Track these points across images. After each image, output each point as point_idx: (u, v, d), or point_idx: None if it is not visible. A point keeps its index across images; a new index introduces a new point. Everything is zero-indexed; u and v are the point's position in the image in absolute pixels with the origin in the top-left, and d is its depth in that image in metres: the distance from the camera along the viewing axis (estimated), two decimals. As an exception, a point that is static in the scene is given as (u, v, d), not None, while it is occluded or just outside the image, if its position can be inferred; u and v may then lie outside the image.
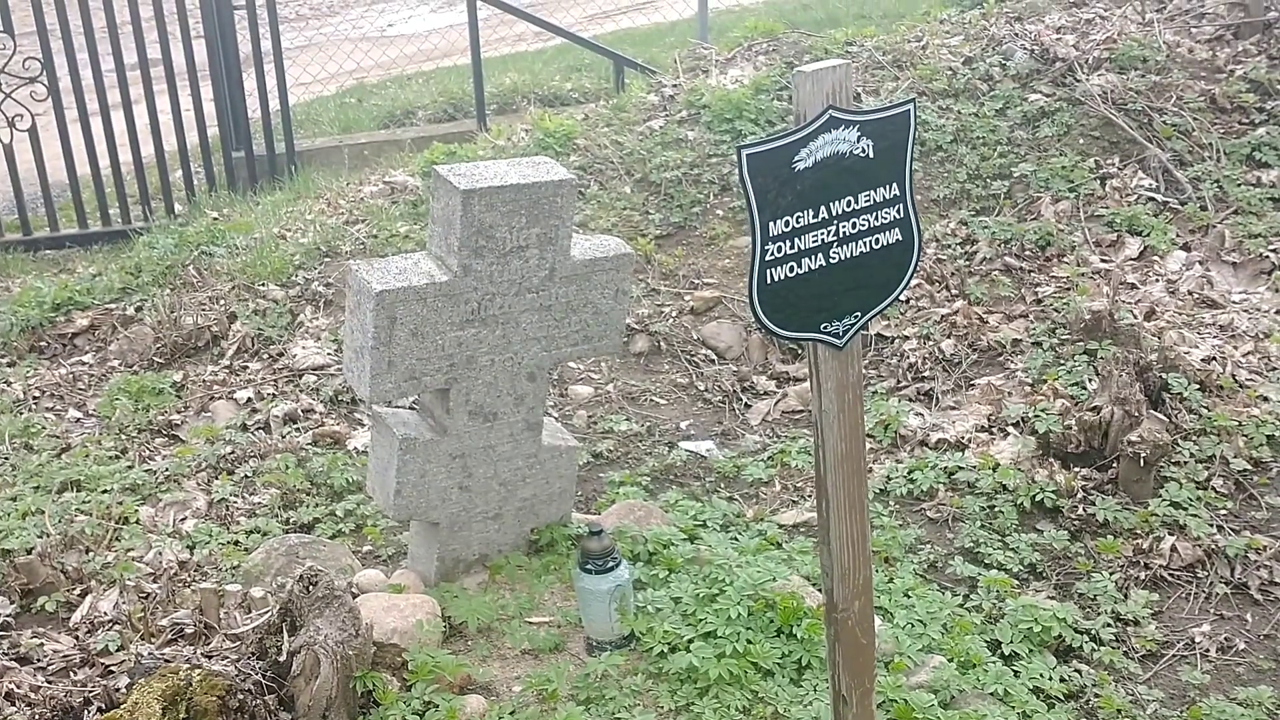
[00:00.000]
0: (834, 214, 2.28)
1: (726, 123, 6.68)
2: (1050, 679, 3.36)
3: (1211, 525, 3.98)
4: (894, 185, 2.34)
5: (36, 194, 7.94)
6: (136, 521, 4.31)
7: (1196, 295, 5.35)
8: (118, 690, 3.15)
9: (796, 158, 2.20)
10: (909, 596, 3.70)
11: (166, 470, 4.61)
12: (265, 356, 5.48)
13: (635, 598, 3.55)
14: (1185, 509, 4.04)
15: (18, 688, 3.48)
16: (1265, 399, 4.58)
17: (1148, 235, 5.69)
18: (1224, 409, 4.44)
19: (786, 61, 7.23)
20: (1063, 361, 4.86)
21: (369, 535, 4.24)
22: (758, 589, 3.53)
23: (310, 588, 3.27)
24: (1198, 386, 4.52)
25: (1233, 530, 3.98)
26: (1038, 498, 4.14)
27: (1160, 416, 4.23)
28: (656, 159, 6.44)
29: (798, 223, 2.23)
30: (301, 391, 5.19)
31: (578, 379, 5.30)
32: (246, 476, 4.59)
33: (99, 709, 3.08)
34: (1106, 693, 3.33)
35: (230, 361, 5.46)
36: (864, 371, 5.18)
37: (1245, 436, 4.32)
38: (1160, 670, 3.50)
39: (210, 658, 3.27)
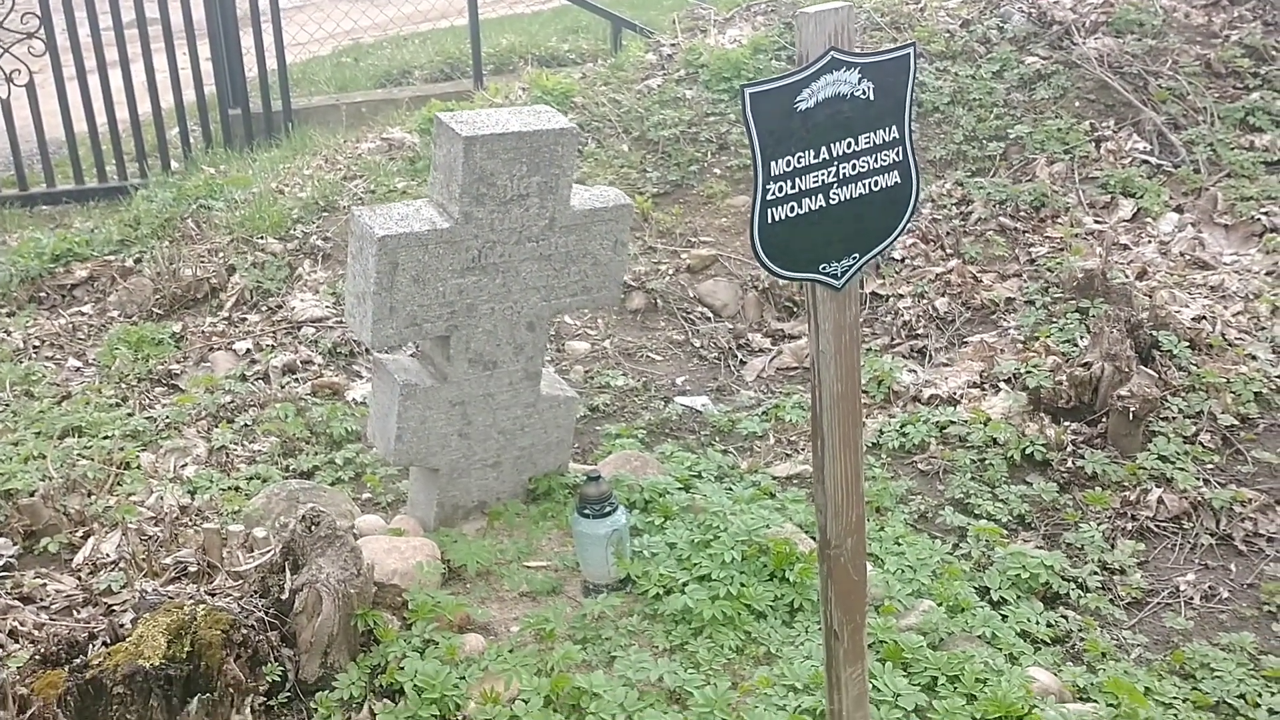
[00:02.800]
0: (834, 155, 2.31)
1: (725, 82, 6.70)
2: (1037, 623, 3.43)
3: (1198, 479, 4.05)
4: (893, 128, 2.38)
5: (33, 150, 7.93)
6: (137, 467, 4.35)
7: (1188, 256, 5.41)
8: (122, 626, 3.20)
9: (799, 98, 2.23)
10: (899, 544, 3.76)
11: (167, 418, 4.65)
12: (264, 309, 5.52)
13: (631, 543, 3.61)
14: (1173, 463, 4.11)
15: (21, 625, 3.53)
16: (1253, 357, 4.64)
17: (1141, 197, 5.73)
18: (1213, 366, 4.50)
19: (785, 22, 7.24)
20: (1055, 320, 4.92)
21: (368, 483, 4.29)
22: (751, 535, 3.59)
23: (312, 527, 3.33)
24: (1188, 344, 4.58)
25: (1219, 484, 4.05)
26: (1028, 451, 4.21)
27: (1150, 372, 4.29)
28: (654, 117, 6.46)
29: (799, 163, 2.27)
30: (300, 343, 5.24)
31: (574, 335, 5.34)
32: (246, 425, 4.64)
33: (104, 643, 3.13)
34: (1092, 637, 3.40)
35: (229, 313, 5.49)
36: (859, 328, 5.24)
37: (1233, 393, 4.38)
38: (1145, 617, 3.57)
39: (213, 595, 3.33)
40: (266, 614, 3.24)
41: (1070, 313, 4.88)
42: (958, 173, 6.04)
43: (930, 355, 4.98)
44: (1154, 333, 4.55)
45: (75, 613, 3.62)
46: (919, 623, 3.35)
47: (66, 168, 7.99)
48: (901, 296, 5.30)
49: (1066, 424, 4.33)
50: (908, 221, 2.49)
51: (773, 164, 2.24)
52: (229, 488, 4.24)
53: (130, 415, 4.66)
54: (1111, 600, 3.61)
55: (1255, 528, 3.86)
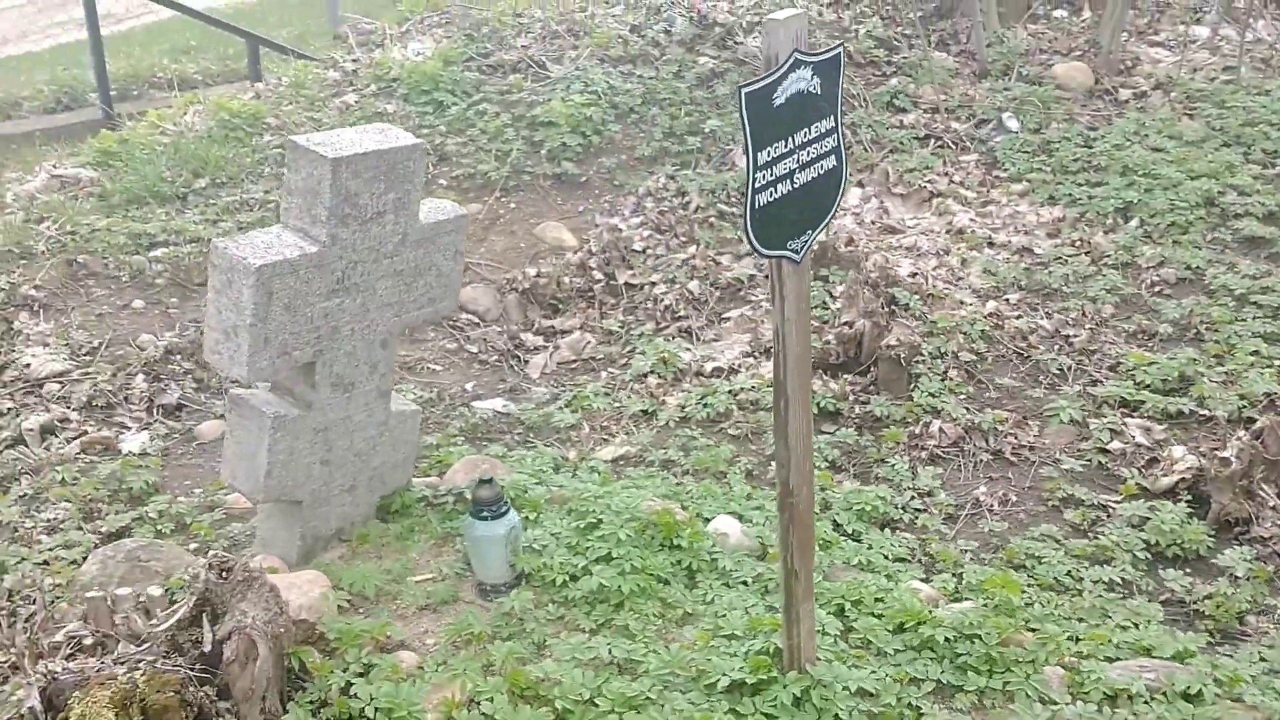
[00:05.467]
0: (798, 143, 2.61)
1: (424, 94, 6.78)
2: (892, 546, 3.91)
3: (962, 408, 4.72)
4: (831, 118, 2.71)
5: None
6: (-83, 557, 3.89)
7: (879, 224, 6.18)
8: (29, 713, 2.92)
9: (775, 94, 2.51)
10: (751, 499, 4.13)
11: (-71, 499, 4.16)
12: (-14, 370, 5.00)
13: (515, 540, 3.72)
14: (938, 397, 4.76)
15: None
16: (963, 303, 5.43)
17: (829, 176, 6.45)
18: (940, 313, 5.23)
19: (465, 34, 7.41)
20: (798, 289, 5.47)
21: (197, 530, 4.09)
22: (633, 512, 3.82)
23: (225, 574, 3.20)
24: (917, 297, 5.28)
25: (978, 409, 4.74)
26: (821, 404, 4.71)
27: (905, 323, 4.92)
28: (369, 134, 6.41)
29: (775, 152, 2.55)
30: (50, 401, 4.81)
31: (345, 355, 5.27)
32: (25, 494, 4.25)
33: (27, 735, 2.86)
34: (938, 548, 3.94)
35: (-54, 380, 4.93)
36: (624, 318, 5.57)
37: (963, 333, 5.11)
38: (962, 527, 4.16)
39: (122, 664, 3.11)
40: (193, 670, 3.09)
41: (811, 281, 5.45)
42: (666, 167, 6.51)
43: (696, 334, 5.39)
44: (889, 290, 5.21)
45: (-72, 719, 3.23)
46: (803, 563, 3.72)
47: None
48: (655, 284, 5.68)
49: (844, 377, 4.88)
50: (841, 198, 2.84)
51: (759, 154, 2.52)
52: (40, 563, 3.89)
53: (-116, 501, 4.12)
54: (932, 518, 4.17)
55: (1017, 440, 4.57)
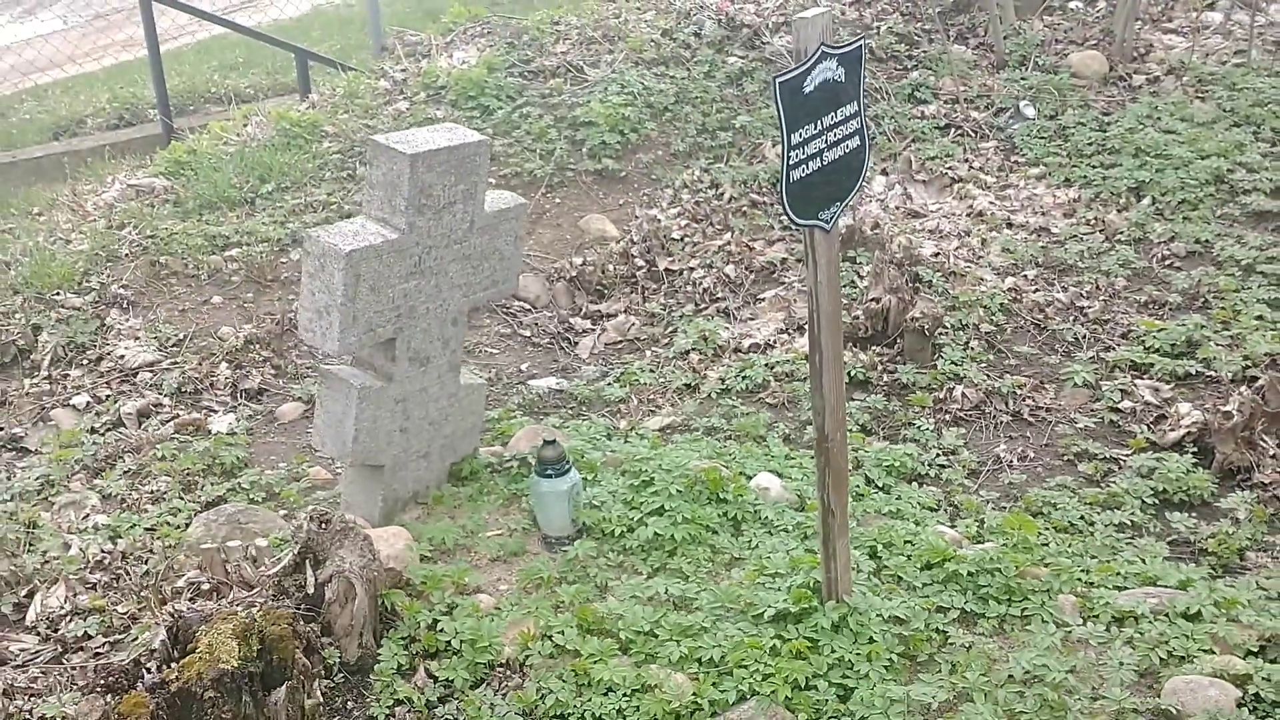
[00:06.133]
0: (825, 126, 2.99)
1: (471, 99, 7.19)
2: (919, 497, 4.28)
3: (983, 374, 5.07)
4: (854, 103, 3.08)
5: None
6: (42, 525, 4.32)
7: (903, 209, 6.53)
8: (166, 644, 3.34)
9: (805, 82, 2.88)
10: (789, 458, 4.50)
11: (43, 476, 4.60)
12: (84, 362, 5.45)
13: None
14: (960, 365, 5.11)
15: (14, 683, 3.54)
16: (983, 279, 5.78)
17: (856, 165, 6.82)
18: (961, 289, 5.58)
19: (507, 42, 7.82)
20: (828, 270, 5.84)
21: (285, 498, 4.50)
22: (681, 471, 4.20)
23: (324, 525, 3.61)
24: (939, 274, 5.63)
25: (998, 376, 5.10)
26: (850, 374, 5.07)
27: (929, 297, 5.28)
28: (421, 137, 6.84)
29: (806, 134, 2.93)
30: (144, 388, 5.25)
31: (408, 342, 5.68)
32: (130, 470, 4.67)
33: (160, 664, 3.27)
34: (962, 499, 4.30)
35: (48, 371, 5.38)
36: (665, 301, 5.95)
37: (984, 307, 5.47)
38: (984, 481, 4.52)
39: (237, 605, 3.52)
40: (298, 609, 3.50)
41: (840, 261, 5.82)
42: (700, 161, 6.89)
43: (733, 314, 5.77)
44: (913, 268, 5.56)
45: (65, 662, 3.66)
46: (838, 512, 4.09)
47: None
48: (693, 269, 6.06)
49: (872, 349, 5.25)
50: (864, 175, 3.21)
51: (793, 135, 2.89)
52: (149, 527, 4.32)
53: (8, 478, 4.56)
54: (956, 472, 4.52)
55: (1035, 403, 4.92)
